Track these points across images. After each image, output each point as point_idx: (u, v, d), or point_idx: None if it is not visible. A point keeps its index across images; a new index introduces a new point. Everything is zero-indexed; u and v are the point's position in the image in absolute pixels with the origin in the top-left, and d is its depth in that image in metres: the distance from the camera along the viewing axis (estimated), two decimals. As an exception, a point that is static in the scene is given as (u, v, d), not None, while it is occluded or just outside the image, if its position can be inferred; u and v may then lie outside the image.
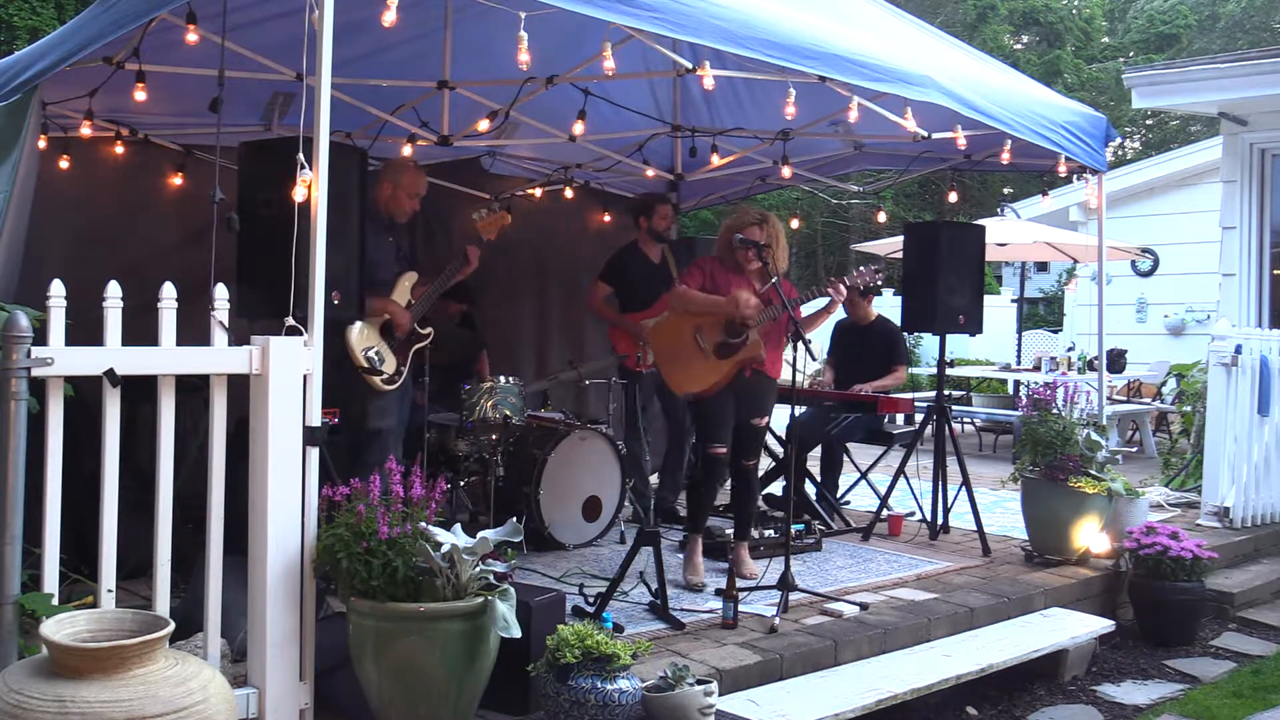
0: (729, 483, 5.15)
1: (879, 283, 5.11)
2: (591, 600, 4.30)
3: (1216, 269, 8.82)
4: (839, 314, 7.17)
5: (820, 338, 6.34)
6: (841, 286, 4.83)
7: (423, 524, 3.09)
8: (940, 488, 6.11)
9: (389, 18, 3.35)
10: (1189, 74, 8.45)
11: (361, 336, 4.67)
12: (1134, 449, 10.45)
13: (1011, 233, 10.85)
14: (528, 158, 6.94)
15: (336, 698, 3.29)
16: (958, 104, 4.78)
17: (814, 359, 4.95)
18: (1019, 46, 31.58)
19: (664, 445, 6.59)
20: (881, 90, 4.55)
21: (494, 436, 5.43)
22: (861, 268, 5.02)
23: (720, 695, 3.49)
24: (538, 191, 7.13)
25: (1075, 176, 6.34)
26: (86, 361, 2.88)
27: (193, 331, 3.14)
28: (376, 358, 4.69)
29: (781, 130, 6.17)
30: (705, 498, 5.00)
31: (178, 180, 5.77)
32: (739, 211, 4.96)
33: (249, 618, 3.17)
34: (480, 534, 3.13)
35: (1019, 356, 13.47)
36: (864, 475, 7.21)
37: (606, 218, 7.46)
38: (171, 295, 3.06)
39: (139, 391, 3.09)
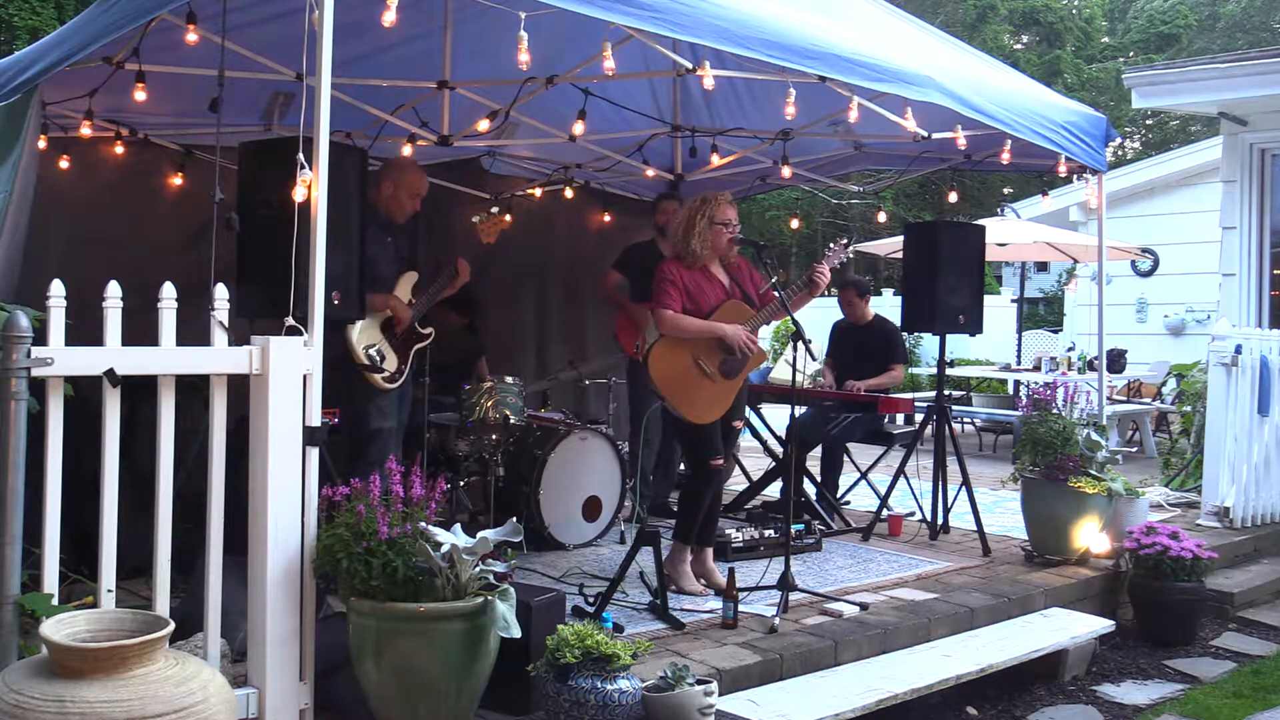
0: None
1: (850, 255, 5.02)
2: (591, 600, 4.29)
3: (1216, 269, 8.83)
4: (835, 313, 7.21)
5: (819, 338, 6.35)
6: (823, 272, 4.75)
7: (423, 524, 3.09)
8: (940, 488, 6.11)
9: (389, 18, 3.35)
10: (1189, 74, 8.45)
11: (362, 334, 4.65)
12: (1134, 449, 10.45)
13: (1011, 233, 10.85)
14: (528, 158, 6.94)
15: (336, 698, 3.29)
16: (958, 104, 4.78)
17: (814, 359, 4.95)
18: (1019, 46, 31.59)
19: (658, 442, 6.58)
20: (881, 90, 4.55)
21: (494, 436, 5.43)
22: (831, 245, 4.95)
23: (720, 695, 3.49)
24: (538, 191, 7.13)
25: (1075, 176, 6.33)
26: (86, 361, 2.88)
27: (193, 331, 3.14)
28: (378, 355, 4.67)
29: (781, 130, 6.17)
30: (704, 510, 4.77)
31: (178, 180, 5.77)
32: (699, 197, 4.78)
33: (249, 618, 3.17)
34: (480, 534, 3.13)
35: (1019, 356, 13.47)
36: (864, 475, 7.21)
37: (606, 218, 7.46)
38: (171, 295, 3.05)
39: (139, 391, 3.09)
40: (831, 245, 4.97)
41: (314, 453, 3.19)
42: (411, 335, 4.88)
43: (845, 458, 7.05)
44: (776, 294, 4.65)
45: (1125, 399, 10.99)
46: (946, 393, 6.49)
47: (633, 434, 6.14)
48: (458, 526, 3.19)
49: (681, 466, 6.72)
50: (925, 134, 5.38)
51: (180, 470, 3.15)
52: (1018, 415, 7.15)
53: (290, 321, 3.23)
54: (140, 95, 4.41)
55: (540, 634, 3.27)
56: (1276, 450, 6.70)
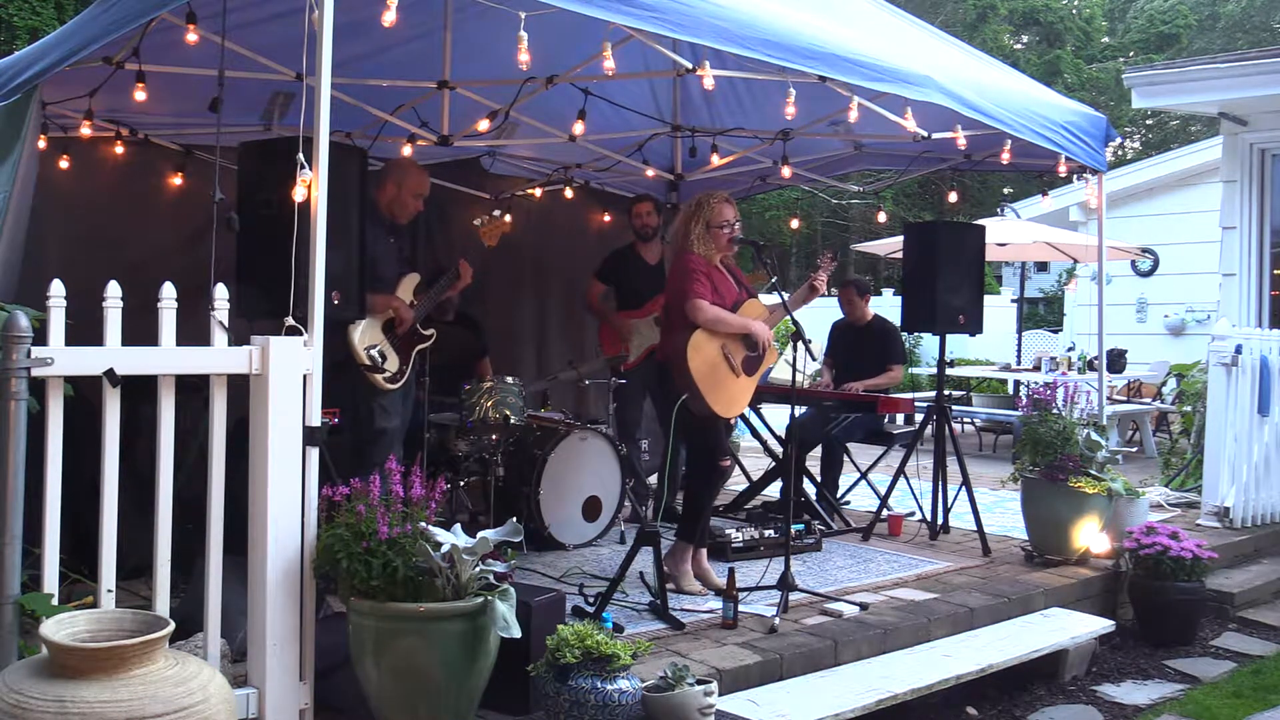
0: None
1: (835, 266, 5.17)
2: (591, 600, 4.29)
3: (1216, 269, 8.82)
4: (835, 313, 7.22)
5: (819, 338, 6.35)
6: (820, 280, 4.90)
7: (423, 524, 3.09)
8: (940, 488, 6.11)
9: (389, 18, 3.35)
10: (1189, 74, 8.45)
11: (364, 334, 4.65)
12: (1134, 449, 10.45)
13: (1011, 233, 10.85)
14: (528, 158, 6.94)
15: (336, 698, 3.29)
16: (958, 104, 4.78)
17: (814, 359, 4.97)
18: (1019, 46, 31.58)
19: (663, 445, 6.58)
20: (881, 90, 4.55)
21: (494, 436, 5.43)
22: (821, 259, 5.10)
23: (720, 695, 3.49)
24: (538, 191, 7.13)
25: (1075, 176, 6.33)
26: (86, 361, 2.88)
27: (193, 331, 3.14)
28: (379, 355, 4.67)
29: (781, 130, 6.17)
30: (708, 509, 4.83)
31: (178, 180, 5.76)
32: (694, 201, 4.81)
33: (249, 618, 3.17)
34: (480, 534, 3.13)
35: (1019, 356, 13.47)
36: (864, 475, 7.21)
37: (606, 218, 7.46)
38: (171, 295, 3.06)
39: (139, 391, 3.09)
40: (821, 259, 5.09)
41: (314, 453, 3.19)
42: (413, 336, 4.89)
43: (845, 458, 7.05)
44: (779, 295, 4.68)
45: (1125, 399, 10.99)
46: (946, 393, 6.48)
47: (626, 435, 6.16)
48: (458, 526, 3.19)
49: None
50: (925, 134, 5.37)
51: (180, 470, 3.15)
52: (1018, 415, 7.15)
53: (290, 321, 3.23)
54: (140, 95, 4.41)
55: (540, 634, 3.27)
56: (1276, 450, 6.69)
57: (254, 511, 3.14)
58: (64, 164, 5.37)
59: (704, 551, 4.93)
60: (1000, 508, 7.02)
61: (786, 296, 4.75)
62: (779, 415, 6.33)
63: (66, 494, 2.86)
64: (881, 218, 8.49)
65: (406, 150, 5.57)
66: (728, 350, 4.65)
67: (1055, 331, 17.30)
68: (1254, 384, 6.47)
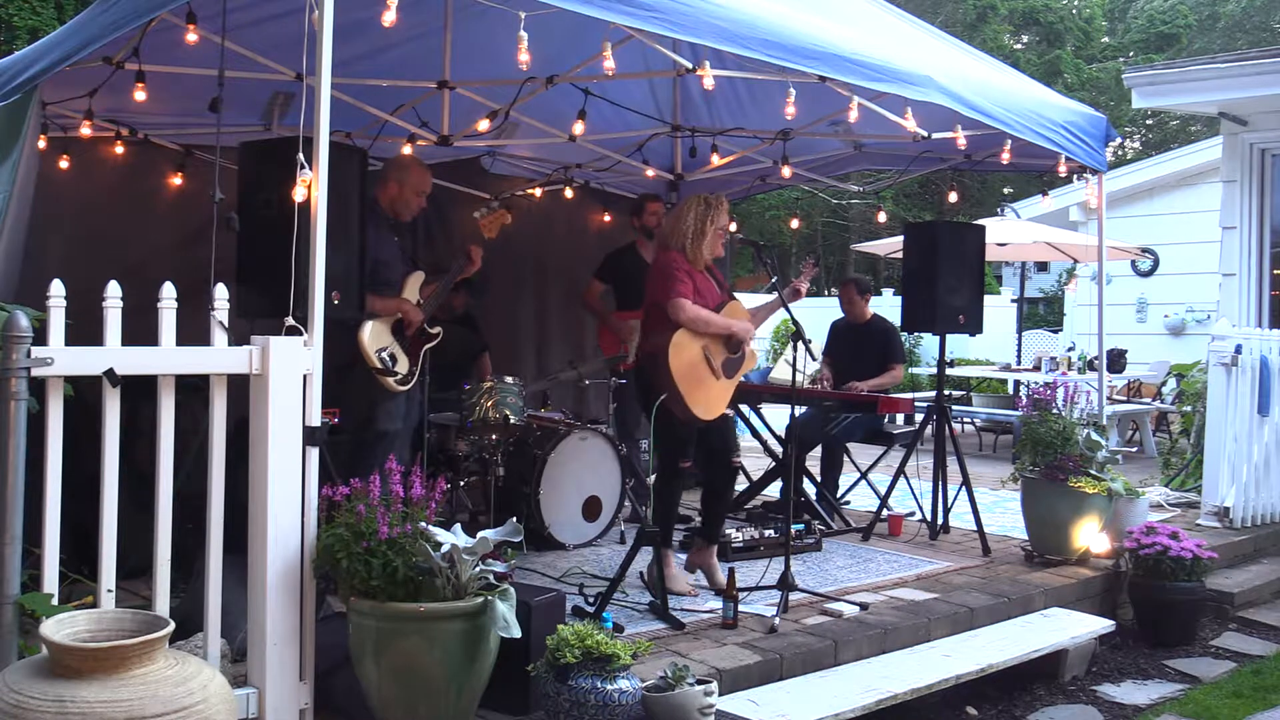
0: (712, 484, 4.94)
1: (816, 271, 5.23)
2: (591, 600, 4.30)
3: (1216, 269, 8.83)
4: (835, 313, 7.22)
5: (818, 338, 6.36)
6: (802, 288, 4.96)
7: (423, 524, 3.09)
8: (940, 488, 6.11)
9: (389, 18, 3.35)
10: (1189, 74, 8.45)
11: (374, 337, 4.61)
12: (1134, 449, 10.45)
13: (1011, 233, 10.85)
14: (528, 158, 6.94)
15: (336, 698, 3.29)
16: (958, 104, 4.78)
17: (814, 359, 4.97)
18: (1019, 46, 31.59)
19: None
20: (881, 90, 4.55)
21: (494, 436, 5.43)
22: (803, 264, 5.17)
23: (720, 695, 3.50)
24: (538, 191, 7.13)
25: (1075, 176, 6.34)
26: (86, 361, 2.88)
27: (193, 331, 3.14)
28: (390, 358, 4.65)
29: (781, 130, 6.17)
30: (676, 510, 4.84)
31: (178, 180, 5.77)
32: (702, 202, 4.73)
33: (249, 618, 3.17)
34: (480, 534, 3.13)
35: (1019, 356, 13.47)
36: (864, 475, 7.21)
37: (606, 218, 7.47)
38: (171, 295, 3.06)
39: (139, 391, 3.09)
40: (803, 265, 5.21)
41: (314, 453, 3.19)
42: (421, 336, 4.87)
43: (845, 458, 7.05)
44: (779, 295, 4.70)
45: (1125, 399, 10.99)
46: (946, 393, 6.48)
47: (626, 435, 6.16)
48: (458, 526, 3.19)
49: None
50: (925, 134, 5.38)
51: (180, 470, 3.15)
52: (1018, 415, 7.15)
53: (290, 321, 3.23)
54: (140, 95, 4.42)
55: (540, 634, 3.27)
56: (1276, 450, 6.69)
57: (254, 511, 3.14)
58: (64, 164, 5.37)
59: (714, 548, 4.93)
60: (1000, 508, 7.02)
61: (783, 293, 4.77)
62: (779, 415, 6.33)
63: (66, 494, 2.86)
64: (881, 218, 8.51)
65: (406, 150, 5.57)
66: (709, 351, 4.62)
67: (1055, 331, 17.29)
68: (1254, 384, 6.47)
